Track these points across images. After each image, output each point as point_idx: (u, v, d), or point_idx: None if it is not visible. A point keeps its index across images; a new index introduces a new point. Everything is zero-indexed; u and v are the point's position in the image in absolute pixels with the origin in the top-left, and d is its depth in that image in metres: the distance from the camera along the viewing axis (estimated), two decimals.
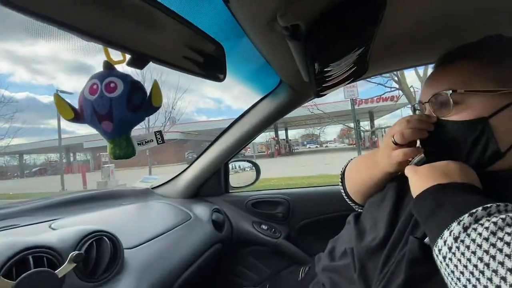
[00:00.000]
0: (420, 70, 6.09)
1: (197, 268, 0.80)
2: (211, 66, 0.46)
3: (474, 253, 0.30)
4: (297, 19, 0.41)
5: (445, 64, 0.48)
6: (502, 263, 0.28)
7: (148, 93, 0.42)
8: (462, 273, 0.30)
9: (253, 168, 1.31)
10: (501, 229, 0.30)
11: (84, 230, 0.54)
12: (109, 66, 0.40)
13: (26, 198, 1.05)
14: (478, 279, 0.29)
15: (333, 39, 0.47)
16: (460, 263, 0.31)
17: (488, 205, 0.32)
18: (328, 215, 1.10)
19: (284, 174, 7.74)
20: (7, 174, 26.36)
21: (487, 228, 0.30)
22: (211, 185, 1.21)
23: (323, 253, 0.64)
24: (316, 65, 0.53)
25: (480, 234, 0.30)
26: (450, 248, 0.32)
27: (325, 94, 0.81)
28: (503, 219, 0.30)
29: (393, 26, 0.57)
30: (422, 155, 0.51)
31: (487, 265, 0.28)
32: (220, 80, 0.47)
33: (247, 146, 1.39)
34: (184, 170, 1.20)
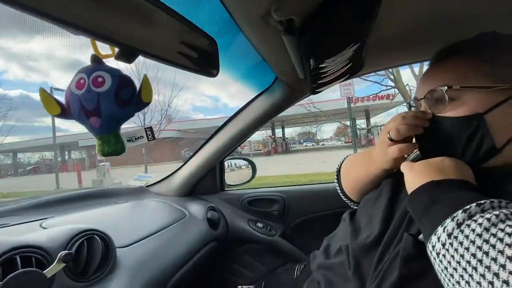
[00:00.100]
0: (416, 68, 6.14)
1: (192, 267, 0.80)
2: (204, 61, 0.45)
3: (467, 249, 0.30)
4: (292, 13, 0.41)
5: (440, 61, 0.48)
6: (495, 259, 0.27)
7: (137, 88, 0.41)
8: (455, 269, 0.30)
9: (249, 166, 1.31)
10: (495, 225, 0.30)
11: (74, 229, 0.53)
12: (97, 60, 0.39)
13: (19, 197, 1.03)
14: (471, 275, 0.29)
15: (328, 35, 0.46)
16: (454, 259, 0.31)
17: (482, 201, 0.32)
18: (324, 212, 1.10)
19: (281, 172, 7.76)
20: (0, 172, 26.00)
21: (480, 224, 0.30)
22: (207, 183, 1.20)
23: (318, 251, 0.64)
24: (311, 61, 0.52)
25: (473, 230, 0.30)
26: (443, 245, 0.32)
27: (321, 91, 0.80)
28: (497, 215, 0.30)
29: (389, 22, 0.57)
30: (418, 152, 0.51)
31: (480, 261, 0.28)
32: (213, 75, 0.46)
33: (243, 144, 1.38)
34: (179, 168, 1.19)
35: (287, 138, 28.74)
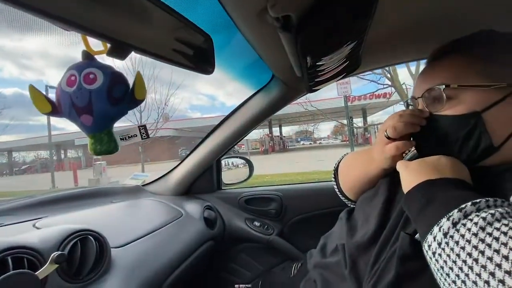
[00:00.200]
0: (412, 67, 6.18)
1: (188, 266, 0.79)
2: (199, 59, 0.45)
3: (463, 248, 0.30)
4: (288, 10, 0.40)
5: (437, 59, 0.47)
6: (491, 258, 0.27)
7: (130, 85, 0.40)
8: (451, 268, 0.30)
9: (246, 164, 1.30)
10: (490, 224, 0.29)
11: (67, 230, 0.52)
12: (88, 56, 0.38)
13: (13, 197, 1.02)
14: (467, 275, 0.29)
15: (326, 32, 0.46)
16: (450, 258, 0.30)
17: (477, 200, 0.32)
18: (321, 211, 1.10)
19: (278, 170, 7.76)
20: None
21: (476, 224, 0.30)
22: (203, 182, 1.20)
23: (315, 250, 0.64)
24: (308, 58, 0.52)
25: (469, 229, 0.30)
26: (439, 244, 0.32)
27: (318, 89, 0.80)
28: (492, 214, 0.30)
29: (386, 20, 0.56)
30: (415, 151, 0.51)
31: (476, 260, 0.28)
32: (208, 72, 0.45)
33: (241, 143, 1.38)
34: (176, 167, 1.18)
35: (284, 136, 28.80)
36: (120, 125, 0.47)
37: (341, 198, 0.70)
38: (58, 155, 26.83)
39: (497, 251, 0.27)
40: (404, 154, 0.52)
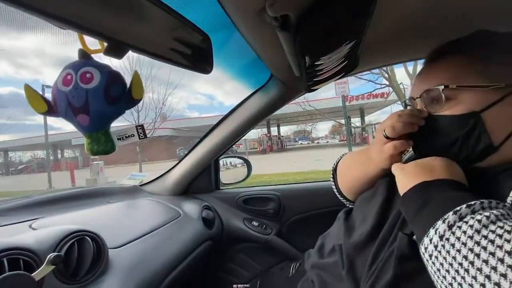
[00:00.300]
0: (410, 67, 6.20)
1: (186, 266, 0.79)
2: (197, 58, 0.44)
3: (459, 251, 0.30)
4: (287, 9, 0.40)
5: (436, 60, 0.47)
6: (486, 261, 0.27)
7: (128, 85, 0.39)
8: (447, 271, 0.30)
9: (244, 164, 1.30)
10: (485, 226, 0.29)
11: (64, 230, 0.52)
12: (85, 55, 0.37)
13: (10, 197, 1.01)
14: (463, 277, 0.29)
15: (324, 31, 0.45)
16: (446, 261, 0.31)
17: (472, 202, 0.32)
18: (319, 210, 1.10)
19: (276, 170, 7.77)
20: None
21: (471, 226, 0.30)
22: (201, 182, 1.19)
23: (313, 250, 0.64)
24: (307, 58, 0.52)
25: (464, 232, 0.30)
26: (436, 246, 0.32)
27: (316, 89, 0.80)
28: (487, 217, 0.30)
29: (384, 20, 0.56)
30: (413, 152, 0.51)
31: (472, 263, 0.28)
32: (207, 72, 0.45)
33: (239, 143, 1.37)
34: (174, 167, 1.18)
35: (282, 136, 28.83)
36: (117, 124, 0.46)
37: (340, 198, 0.70)
38: (55, 155, 26.66)
39: (492, 254, 0.27)
40: (402, 154, 0.52)
